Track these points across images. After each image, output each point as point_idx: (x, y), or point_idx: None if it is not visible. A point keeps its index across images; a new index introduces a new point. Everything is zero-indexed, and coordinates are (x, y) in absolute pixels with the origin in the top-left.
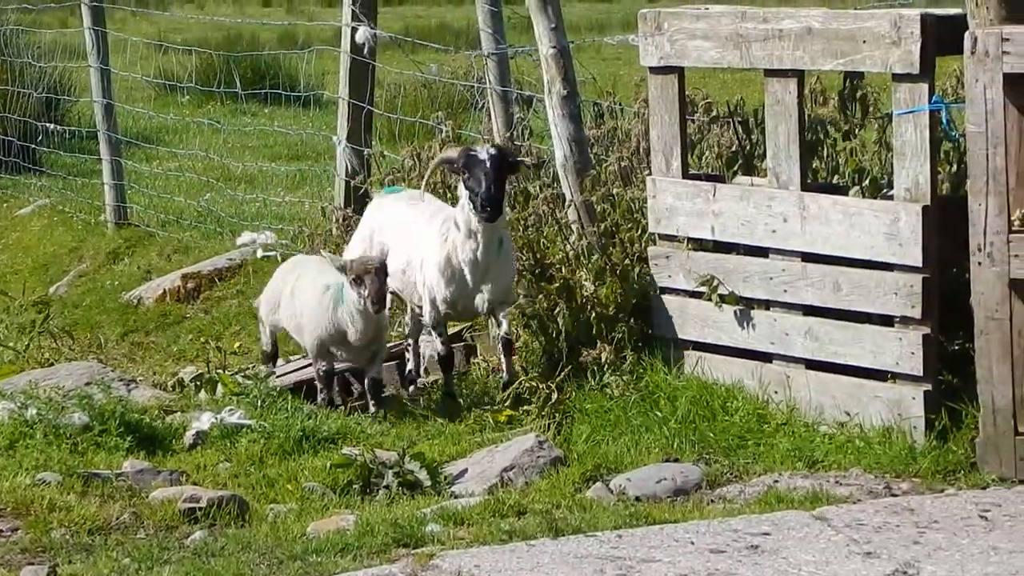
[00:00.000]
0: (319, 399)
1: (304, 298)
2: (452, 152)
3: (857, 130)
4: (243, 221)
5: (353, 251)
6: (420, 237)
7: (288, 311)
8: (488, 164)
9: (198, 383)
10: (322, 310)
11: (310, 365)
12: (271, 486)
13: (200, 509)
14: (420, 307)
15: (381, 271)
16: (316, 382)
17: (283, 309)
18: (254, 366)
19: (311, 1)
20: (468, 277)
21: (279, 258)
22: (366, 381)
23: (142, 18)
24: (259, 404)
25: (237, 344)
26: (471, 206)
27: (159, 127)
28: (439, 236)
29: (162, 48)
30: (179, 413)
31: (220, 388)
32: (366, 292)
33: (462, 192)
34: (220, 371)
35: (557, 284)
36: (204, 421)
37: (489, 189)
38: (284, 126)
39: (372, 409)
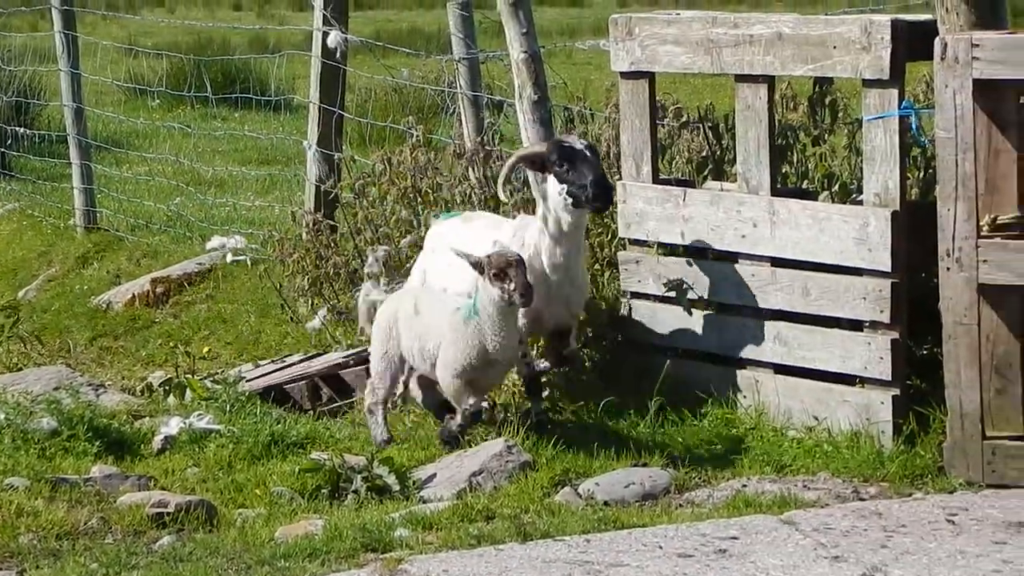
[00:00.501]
0: (448, 435)
1: (434, 332)
2: (538, 147)
3: (827, 135)
4: (213, 225)
5: (413, 283)
6: (488, 249)
7: (415, 345)
8: (588, 152)
9: (167, 388)
10: (461, 332)
11: (280, 369)
12: (240, 491)
13: (168, 514)
14: None
15: (521, 263)
16: (453, 426)
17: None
18: (223, 371)
19: (282, 5)
20: (554, 284)
21: (249, 263)
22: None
23: (112, 21)
24: (228, 409)
25: (206, 349)
26: (570, 200)
27: (129, 131)
28: (515, 244)
29: (132, 52)
30: (148, 418)
31: (189, 393)
32: (511, 285)
33: (553, 189)
34: (189, 376)
35: None
36: (173, 426)
37: (602, 176)
38: (254, 130)
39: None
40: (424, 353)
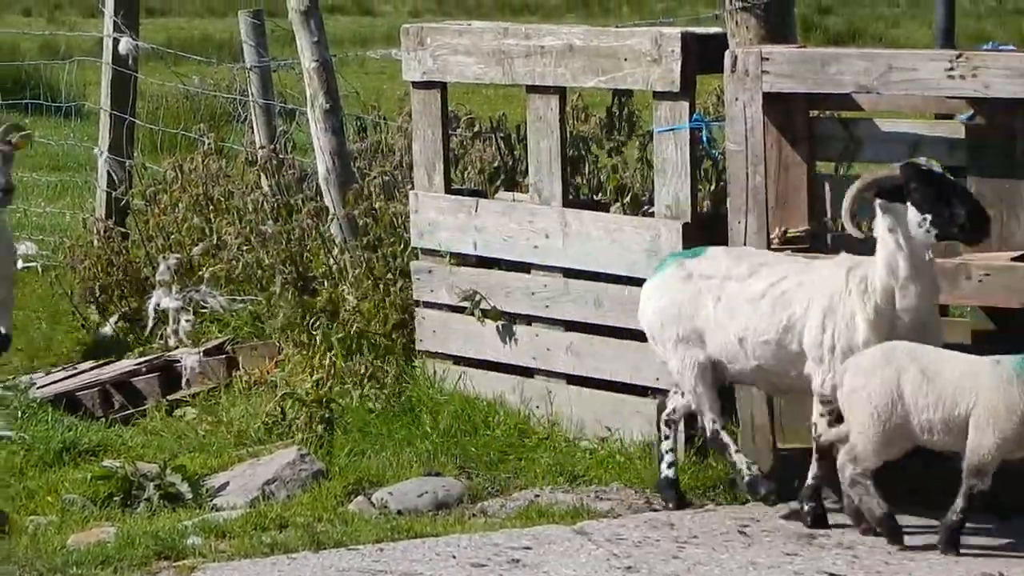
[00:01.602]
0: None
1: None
2: (889, 173)
3: (622, 147)
4: None
5: (667, 338)
6: (797, 294)
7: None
8: (948, 176)
9: None
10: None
11: (72, 376)
12: (31, 498)
13: None
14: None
15: None
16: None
17: None
18: (14, 377)
19: (72, 12)
20: (909, 328)
21: (40, 269)
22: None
23: None
24: (19, 415)
25: None
26: (934, 232)
27: None
28: (853, 288)
29: None
30: None
31: None
32: None
33: (913, 219)
34: None
35: (320, 298)
36: None
37: (977, 204)
38: (45, 136)
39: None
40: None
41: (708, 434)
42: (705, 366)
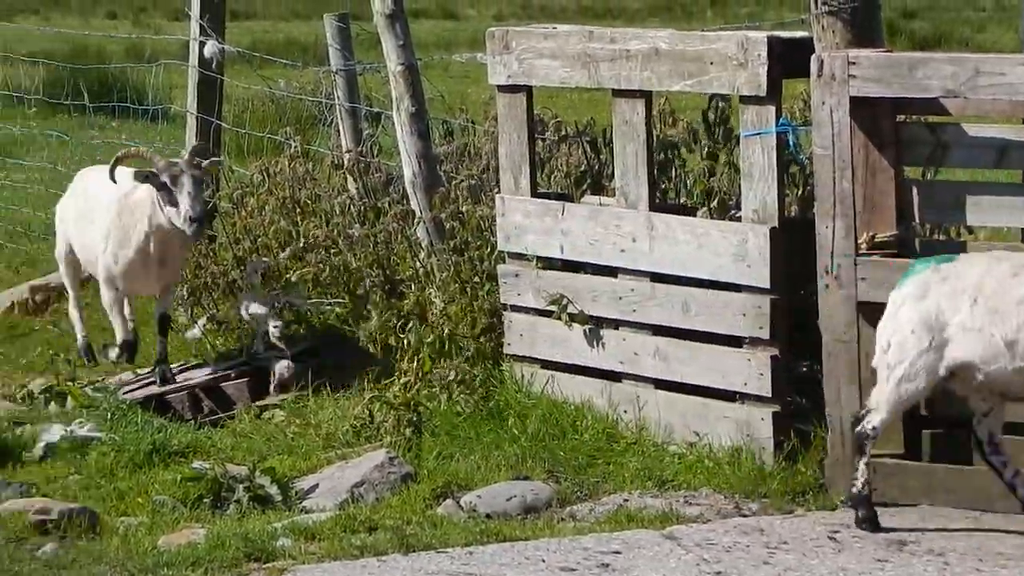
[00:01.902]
0: None
1: None
2: None
3: (716, 151)
4: None
5: (911, 347)
6: None
7: None
8: None
9: (48, 395)
10: None
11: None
12: (122, 499)
13: (51, 521)
14: None
15: None
16: None
17: None
18: (103, 379)
19: (157, 15)
20: None
21: None
22: None
23: None
24: (109, 417)
25: None
26: None
27: (6, 139)
28: None
29: (8, 59)
30: (29, 425)
31: (70, 401)
32: None
33: None
34: (70, 383)
35: (408, 301)
36: (54, 433)
37: None
38: (132, 139)
39: None
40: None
41: (861, 429)
42: (934, 374)
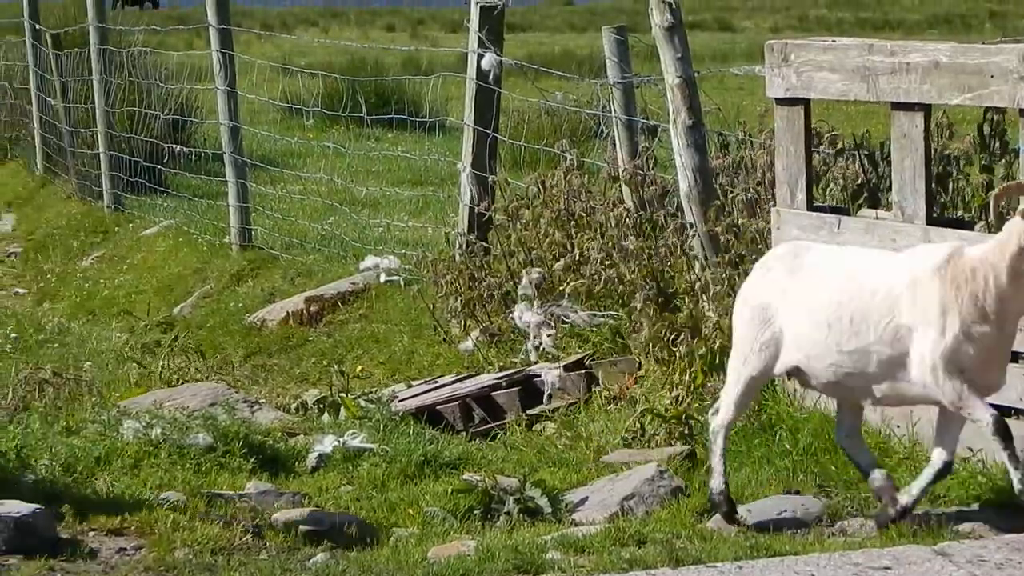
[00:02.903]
0: None
1: None
2: None
3: (992, 165)
4: (366, 245)
5: None
6: None
7: None
8: None
9: (321, 406)
10: None
11: (433, 390)
12: (392, 510)
13: (322, 531)
14: None
15: None
16: None
17: None
18: (376, 390)
19: (435, 27)
20: None
21: (402, 283)
22: None
23: (267, 41)
24: (381, 428)
25: (359, 368)
26: None
27: (284, 150)
28: None
29: (287, 71)
30: (302, 436)
31: (343, 411)
32: None
33: None
34: (343, 395)
35: (681, 314)
36: (327, 444)
37: None
38: (408, 151)
39: None
40: None
41: None
42: None
